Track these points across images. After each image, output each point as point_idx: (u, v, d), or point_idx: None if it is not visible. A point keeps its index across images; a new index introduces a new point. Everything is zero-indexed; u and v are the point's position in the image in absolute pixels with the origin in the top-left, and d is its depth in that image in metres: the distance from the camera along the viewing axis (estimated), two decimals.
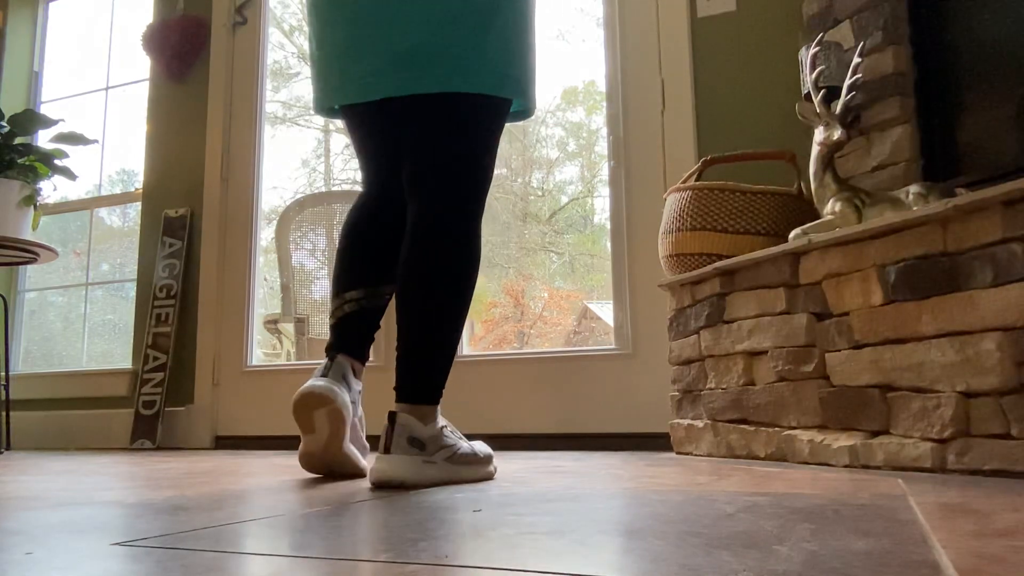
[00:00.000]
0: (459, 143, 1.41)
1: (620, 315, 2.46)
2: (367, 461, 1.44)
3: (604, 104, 2.63)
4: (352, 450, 1.41)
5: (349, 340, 1.48)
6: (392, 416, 1.29)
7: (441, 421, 1.35)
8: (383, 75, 1.38)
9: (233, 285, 2.99)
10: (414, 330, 1.36)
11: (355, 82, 1.42)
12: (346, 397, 1.39)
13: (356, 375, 1.46)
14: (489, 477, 1.40)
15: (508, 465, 1.70)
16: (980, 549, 0.63)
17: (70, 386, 3.19)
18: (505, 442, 2.43)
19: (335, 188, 4.38)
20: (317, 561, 0.63)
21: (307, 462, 1.41)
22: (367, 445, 1.50)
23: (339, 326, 1.49)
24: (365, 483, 1.33)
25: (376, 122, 1.51)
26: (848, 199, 1.65)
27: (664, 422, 2.15)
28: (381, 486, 1.24)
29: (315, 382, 1.38)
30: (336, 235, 3.16)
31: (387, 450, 1.26)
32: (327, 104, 1.51)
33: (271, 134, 3.21)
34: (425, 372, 1.34)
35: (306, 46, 4.74)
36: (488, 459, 1.41)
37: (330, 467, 1.40)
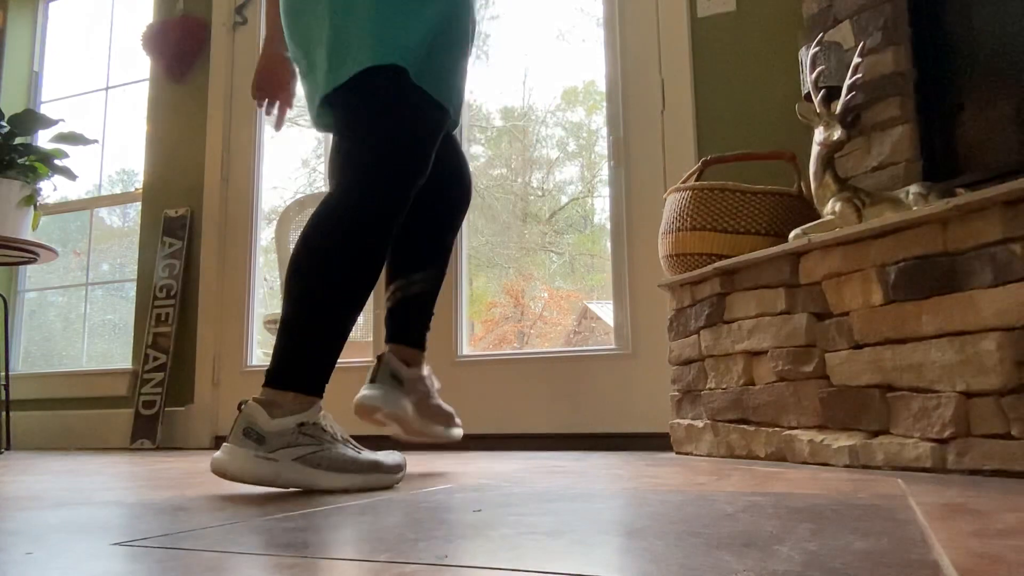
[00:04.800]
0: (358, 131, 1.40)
1: (620, 315, 2.46)
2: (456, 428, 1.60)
3: (604, 104, 2.63)
4: (430, 427, 1.54)
5: (393, 329, 1.56)
6: (240, 404, 1.18)
7: (426, 369, 1.52)
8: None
9: (233, 285, 2.99)
10: (284, 310, 1.27)
11: None
12: (395, 396, 1.46)
13: (411, 364, 1.52)
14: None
15: (508, 465, 1.70)
16: (980, 549, 0.63)
17: (70, 386, 3.19)
18: (505, 442, 2.43)
19: None
20: (317, 561, 0.63)
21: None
22: (448, 410, 1.60)
23: (386, 318, 1.58)
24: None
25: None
26: (848, 199, 1.65)
27: (664, 422, 2.15)
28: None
29: (363, 391, 1.46)
30: None
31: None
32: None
33: (271, 134, 3.20)
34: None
35: None
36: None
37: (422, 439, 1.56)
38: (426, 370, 1.56)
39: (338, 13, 1.31)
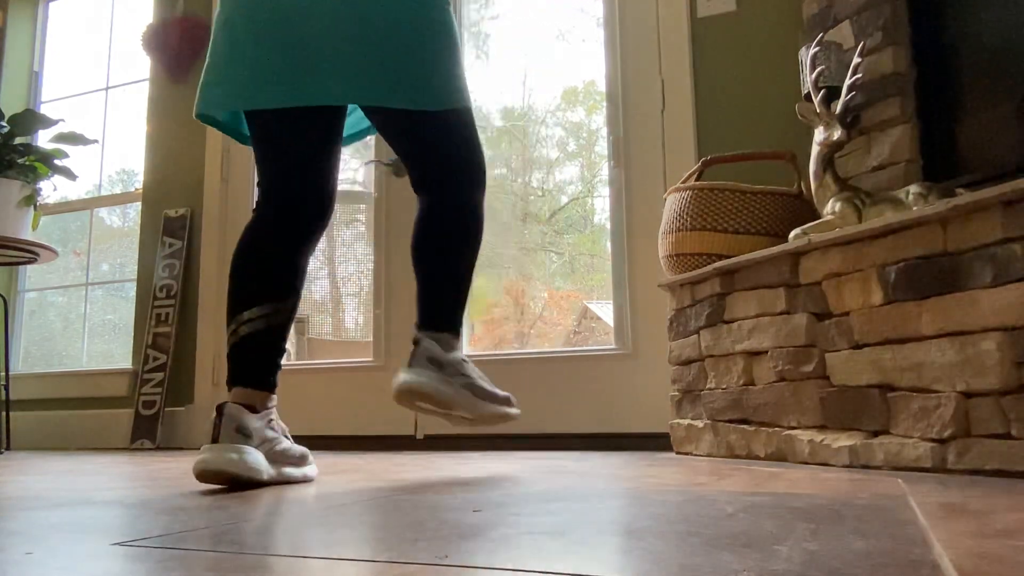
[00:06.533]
0: (463, 148, 1.53)
1: (620, 315, 2.46)
2: (313, 461, 1.45)
3: (604, 104, 2.63)
4: (282, 476, 1.34)
5: (248, 369, 1.36)
6: (416, 341, 1.43)
7: (461, 353, 1.48)
8: (355, 83, 1.38)
9: None
10: (440, 271, 1.49)
11: (320, 83, 1.37)
12: (247, 457, 1.25)
13: (258, 408, 1.33)
14: (501, 418, 1.51)
15: (508, 465, 1.70)
16: (980, 549, 0.63)
17: (70, 386, 3.19)
18: (505, 442, 2.43)
19: None
20: (317, 561, 0.63)
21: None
22: (300, 452, 1.41)
23: (235, 354, 1.38)
24: (365, 483, 1.33)
25: (325, 126, 1.47)
26: (848, 199, 1.65)
27: (664, 422, 2.15)
28: (402, 396, 1.39)
29: (210, 455, 1.24)
30: (336, 234, 3.16)
31: (409, 366, 1.40)
32: (255, 102, 1.40)
33: None
34: (446, 303, 1.49)
35: None
36: (505, 400, 1.52)
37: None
38: (272, 414, 1.40)
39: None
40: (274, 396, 1.39)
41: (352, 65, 1.38)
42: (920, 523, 0.78)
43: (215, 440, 1.25)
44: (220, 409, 1.28)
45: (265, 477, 1.27)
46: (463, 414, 1.45)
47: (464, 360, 1.46)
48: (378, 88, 1.39)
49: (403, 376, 1.38)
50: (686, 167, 2.30)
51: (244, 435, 1.27)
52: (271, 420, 1.36)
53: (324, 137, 1.47)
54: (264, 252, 1.42)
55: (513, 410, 1.52)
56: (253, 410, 1.31)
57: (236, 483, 1.25)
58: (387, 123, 1.50)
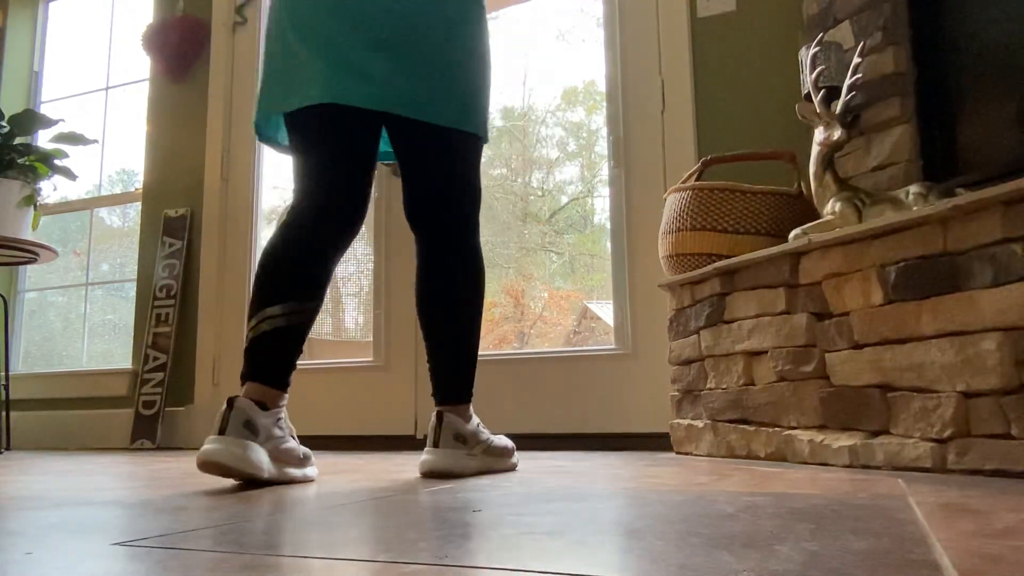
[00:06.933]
0: (468, 173, 1.57)
1: (620, 315, 2.46)
2: (315, 463, 1.45)
3: (604, 104, 2.63)
4: (284, 475, 1.33)
5: (265, 365, 1.37)
6: (440, 415, 1.46)
7: (475, 418, 1.53)
8: (398, 90, 1.44)
9: (233, 285, 2.99)
10: (452, 344, 1.54)
11: (373, 85, 1.43)
12: (250, 453, 1.25)
13: (269, 406, 1.33)
14: (513, 468, 1.59)
15: None
16: (980, 549, 0.63)
17: (70, 386, 3.19)
18: None
19: None
20: (317, 561, 0.63)
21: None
22: (303, 452, 1.40)
23: (254, 349, 1.38)
24: (365, 483, 1.33)
25: (360, 132, 1.49)
26: (848, 199, 1.65)
27: (664, 422, 2.15)
28: (429, 475, 1.42)
29: (213, 447, 1.23)
30: None
31: (436, 444, 1.44)
32: (310, 99, 1.43)
33: None
34: (462, 376, 1.54)
35: None
36: (511, 451, 1.60)
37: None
38: (281, 412, 1.39)
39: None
40: (285, 396, 1.40)
41: (396, 75, 1.43)
42: (920, 523, 0.78)
43: (221, 432, 1.26)
44: (231, 402, 1.29)
45: (266, 475, 1.27)
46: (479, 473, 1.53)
47: (479, 424, 1.55)
48: (422, 102, 1.45)
49: (432, 459, 1.43)
50: (686, 167, 2.30)
51: (251, 431, 1.28)
52: (280, 419, 1.36)
53: (361, 144, 1.50)
54: (296, 252, 1.43)
55: (516, 458, 1.63)
56: (264, 407, 1.32)
57: (236, 478, 1.26)
58: (407, 135, 1.52)
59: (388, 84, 1.43)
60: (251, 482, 1.27)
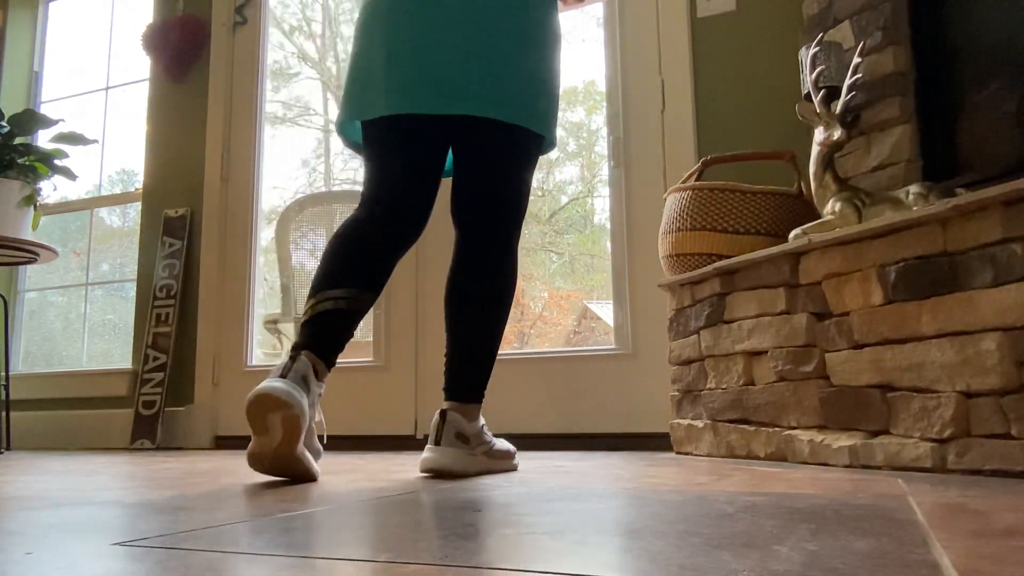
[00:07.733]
0: (526, 176, 1.60)
1: (620, 315, 2.46)
2: (319, 465, 1.42)
3: (604, 104, 2.63)
4: (305, 455, 1.34)
5: (320, 339, 1.42)
6: (443, 413, 1.47)
7: (482, 420, 1.54)
8: (467, 92, 1.46)
9: (233, 285, 2.99)
10: (472, 342, 1.55)
11: (447, 92, 1.45)
12: (304, 402, 1.30)
13: (319, 377, 1.39)
14: (513, 469, 1.60)
15: None
16: (980, 549, 0.63)
17: (70, 386, 3.19)
18: None
19: (335, 188, 4.38)
20: (317, 561, 0.63)
21: (255, 462, 1.31)
22: (320, 448, 1.45)
23: (312, 323, 1.43)
24: (365, 483, 1.33)
25: (431, 141, 1.54)
26: (848, 199, 1.65)
27: (664, 422, 2.15)
28: (429, 473, 1.43)
29: (272, 383, 1.29)
30: None
31: (437, 443, 1.44)
32: (387, 108, 1.48)
33: (271, 134, 3.21)
34: (475, 376, 1.54)
35: (307, 46, 4.71)
36: (512, 455, 1.62)
37: (279, 471, 1.33)
38: (322, 388, 1.43)
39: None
40: (326, 376, 1.43)
41: (475, 84, 1.45)
42: (920, 523, 0.78)
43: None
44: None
45: (304, 415, 1.30)
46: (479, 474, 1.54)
47: (484, 426, 1.56)
48: (497, 101, 1.46)
49: (432, 456, 1.44)
50: (686, 167, 2.31)
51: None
52: (319, 394, 1.41)
53: (433, 154, 1.54)
54: (363, 244, 1.49)
55: (516, 460, 1.64)
56: (316, 375, 1.39)
57: (268, 406, 1.28)
58: (475, 134, 1.52)
59: (463, 87, 1.45)
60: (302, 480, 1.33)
